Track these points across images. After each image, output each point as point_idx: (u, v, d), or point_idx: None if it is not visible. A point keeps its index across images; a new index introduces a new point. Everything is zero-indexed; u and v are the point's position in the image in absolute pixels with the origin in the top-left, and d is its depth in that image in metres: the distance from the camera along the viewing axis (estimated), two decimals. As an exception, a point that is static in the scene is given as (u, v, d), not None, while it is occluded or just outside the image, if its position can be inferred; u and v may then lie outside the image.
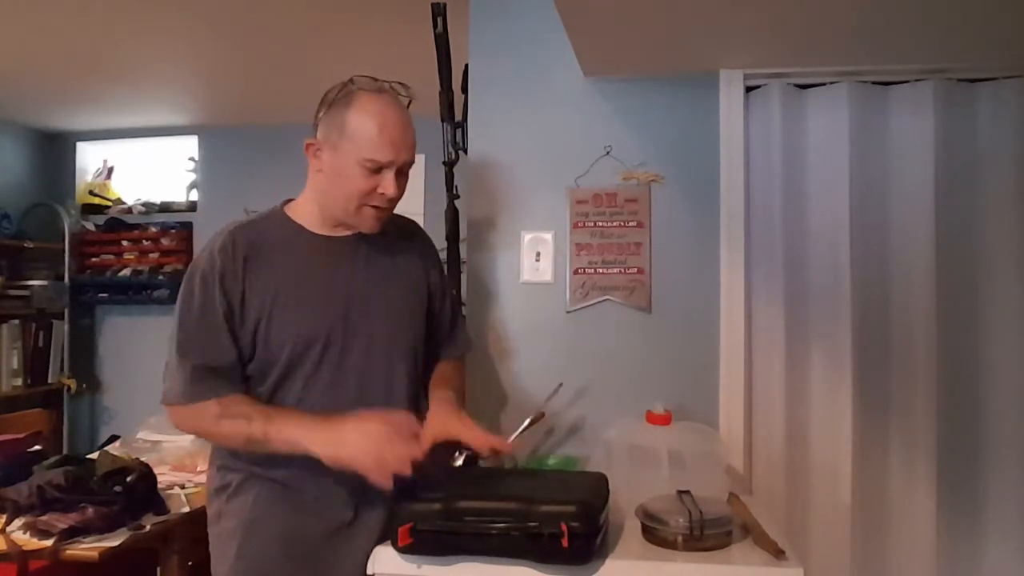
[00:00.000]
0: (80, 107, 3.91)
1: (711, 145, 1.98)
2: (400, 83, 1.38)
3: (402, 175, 1.36)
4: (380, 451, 1.26)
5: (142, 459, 2.05)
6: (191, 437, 2.44)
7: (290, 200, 1.46)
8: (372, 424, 1.28)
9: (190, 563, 1.91)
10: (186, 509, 1.95)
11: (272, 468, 1.35)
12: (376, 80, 1.37)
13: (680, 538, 1.34)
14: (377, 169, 1.32)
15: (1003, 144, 1.91)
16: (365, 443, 1.26)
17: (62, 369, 4.17)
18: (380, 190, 1.33)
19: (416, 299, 1.51)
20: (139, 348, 4.24)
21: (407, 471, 1.27)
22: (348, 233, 1.42)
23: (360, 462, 1.25)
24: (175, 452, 2.37)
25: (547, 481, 1.53)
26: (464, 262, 2.12)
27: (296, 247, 1.38)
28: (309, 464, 1.28)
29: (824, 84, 1.98)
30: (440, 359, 1.59)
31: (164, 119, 4.11)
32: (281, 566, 1.35)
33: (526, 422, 1.83)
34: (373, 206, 1.35)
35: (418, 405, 1.49)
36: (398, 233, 1.51)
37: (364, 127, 1.30)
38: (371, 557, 1.35)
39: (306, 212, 1.41)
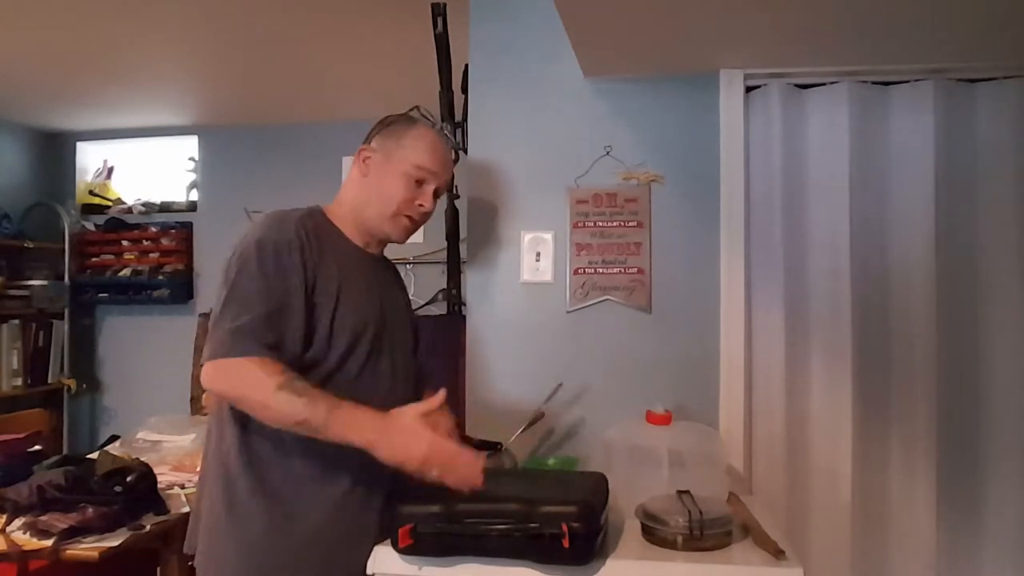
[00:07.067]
0: (80, 107, 3.91)
1: (711, 145, 1.98)
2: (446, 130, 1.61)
3: (436, 196, 1.50)
4: (446, 465, 1.25)
5: (142, 459, 2.04)
6: (191, 436, 2.43)
7: (322, 206, 1.49)
8: (439, 442, 1.25)
9: (190, 563, 1.91)
10: (186, 509, 1.95)
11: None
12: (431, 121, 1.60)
13: (680, 538, 1.34)
14: (420, 182, 1.46)
15: (1003, 144, 1.91)
16: (430, 455, 1.23)
17: (62, 369, 4.16)
18: (419, 202, 1.46)
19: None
20: (139, 348, 4.24)
21: (479, 483, 1.27)
22: (375, 252, 1.52)
23: (426, 473, 1.24)
24: (175, 452, 2.37)
25: (547, 481, 1.53)
26: (464, 262, 2.12)
27: (343, 249, 1.45)
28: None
29: (824, 84, 1.98)
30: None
31: (164, 119, 4.10)
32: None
33: (526, 422, 1.84)
34: (408, 216, 1.46)
35: None
36: (392, 269, 1.63)
37: (421, 141, 1.47)
38: (371, 557, 1.35)
39: (341, 219, 1.47)
